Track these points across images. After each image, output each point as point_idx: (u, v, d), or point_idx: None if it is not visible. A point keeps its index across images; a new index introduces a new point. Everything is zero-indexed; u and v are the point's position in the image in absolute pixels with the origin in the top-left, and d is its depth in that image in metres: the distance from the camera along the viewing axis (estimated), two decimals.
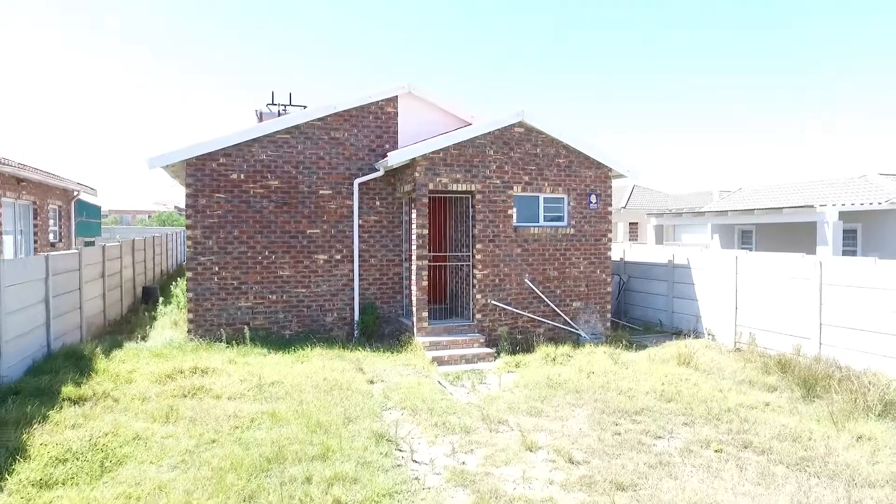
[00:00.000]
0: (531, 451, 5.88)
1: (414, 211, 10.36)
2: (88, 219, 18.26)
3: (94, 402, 6.51)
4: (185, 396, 6.98)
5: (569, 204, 11.44)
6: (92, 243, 18.34)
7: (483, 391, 8.07)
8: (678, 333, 11.96)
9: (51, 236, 15.16)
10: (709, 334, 11.33)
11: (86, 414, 6.13)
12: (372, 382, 8.27)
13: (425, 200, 10.27)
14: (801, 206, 14.78)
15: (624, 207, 27.76)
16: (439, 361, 9.53)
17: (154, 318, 12.57)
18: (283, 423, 6.27)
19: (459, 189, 10.55)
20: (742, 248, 19.59)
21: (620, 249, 14.50)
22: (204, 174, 10.31)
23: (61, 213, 15.74)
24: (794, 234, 17.95)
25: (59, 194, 15.48)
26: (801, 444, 5.96)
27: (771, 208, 15.80)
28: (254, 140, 10.55)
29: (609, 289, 11.76)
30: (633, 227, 29.63)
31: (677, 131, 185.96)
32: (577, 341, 11.22)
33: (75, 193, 16.36)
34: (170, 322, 12.07)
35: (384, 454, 5.59)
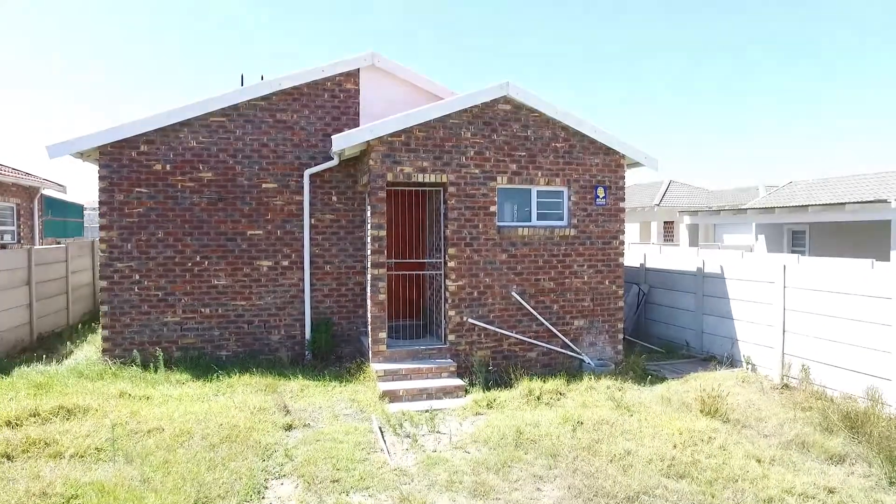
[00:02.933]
0: None
1: (369, 207, 8.39)
2: (63, 217, 17.03)
3: None
4: (7, 457, 5.20)
5: (569, 198, 9.23)
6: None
7: (428, 446, 6.00)
8: (709, 359, 9.58)
9: (7, 237, 13.91)
10: (747, 363, 8.91)
11: None
12: (290, 428, 6.33)
13: (382, 195, 8.27)
14: (870, 202, 12.05)
15: (658, 205, 25.02)
16: (392, 397, 7.52)
17: (92, 331, 11.04)
18: None
19: (426, 180, 8.49)
20: (793, 252, 16.77)
21: (640, 253, 12.13)
22: (121, 164, 8.61)
23: (20, 211, 14.49)
24: (858, 236, 15.10)
25: (14, 191, 14.22)
26: None
27: (830, 204, 13.08)
28: (182, 124, 8.79)
29: (621, 303, 9.48)
30: (669, 226, 26.79)
31: (722, 127, 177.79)
32: (579, 368, 9.02)
33: (38, 190, 15.11)
34: None
35: None
